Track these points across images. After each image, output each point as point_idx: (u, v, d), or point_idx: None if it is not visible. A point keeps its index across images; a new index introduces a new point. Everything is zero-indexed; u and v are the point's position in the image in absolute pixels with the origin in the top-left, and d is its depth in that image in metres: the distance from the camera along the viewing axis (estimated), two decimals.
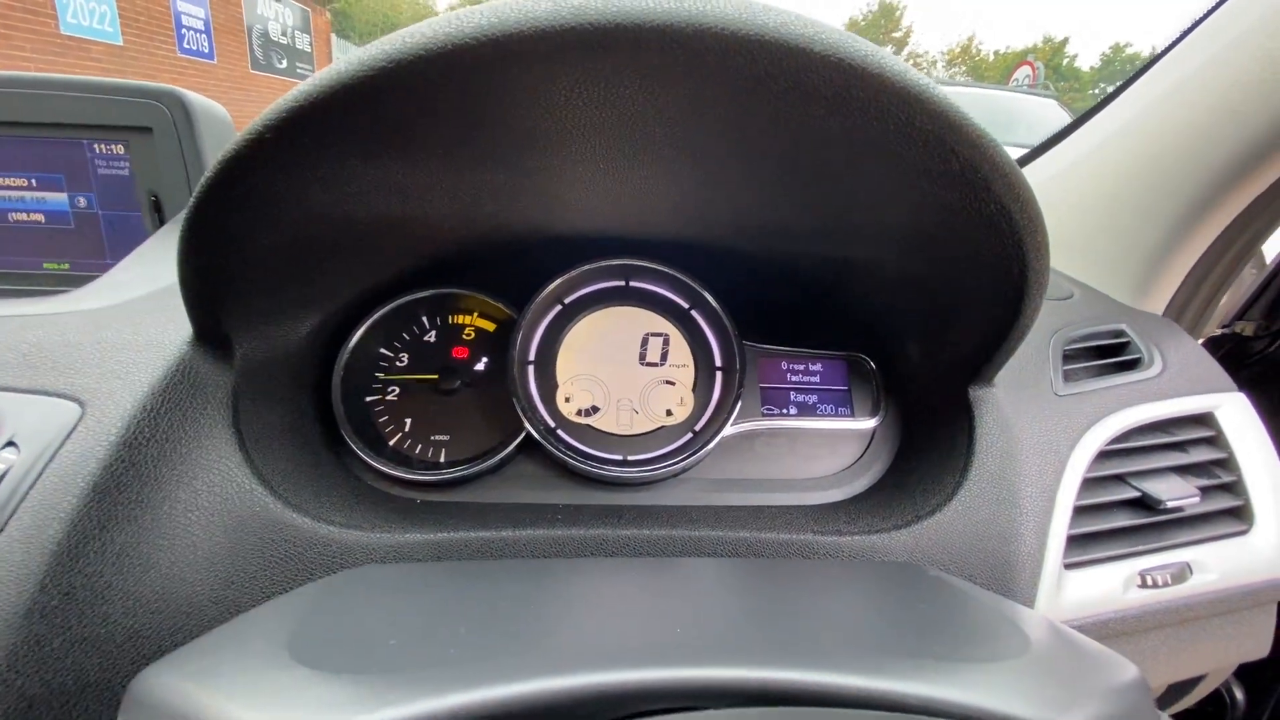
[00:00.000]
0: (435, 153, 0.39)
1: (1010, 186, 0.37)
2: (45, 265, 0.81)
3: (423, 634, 0.30)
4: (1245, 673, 0.73)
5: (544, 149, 0.41)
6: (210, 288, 0.43)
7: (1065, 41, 39.32)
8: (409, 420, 0.60)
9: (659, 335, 0.62)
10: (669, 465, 0.56)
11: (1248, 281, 0.88)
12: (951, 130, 0.34)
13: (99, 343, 0.47)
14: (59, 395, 0.43)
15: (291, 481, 0.50)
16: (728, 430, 0.58)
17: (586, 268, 0.60)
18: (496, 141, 0.39)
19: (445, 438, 0.59)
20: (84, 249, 0.80)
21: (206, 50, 9.32)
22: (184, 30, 8.84)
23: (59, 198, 0.79)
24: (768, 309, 0.66)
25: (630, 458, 0.58)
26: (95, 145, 0.76)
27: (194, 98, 0.73)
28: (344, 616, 0.33)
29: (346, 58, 0.31)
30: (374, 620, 0.32)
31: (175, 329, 0.48)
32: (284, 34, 11.43)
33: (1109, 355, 0.68)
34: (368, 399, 0.60)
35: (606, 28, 0.28)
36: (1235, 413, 0.64)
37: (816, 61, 0.30)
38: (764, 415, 0.62)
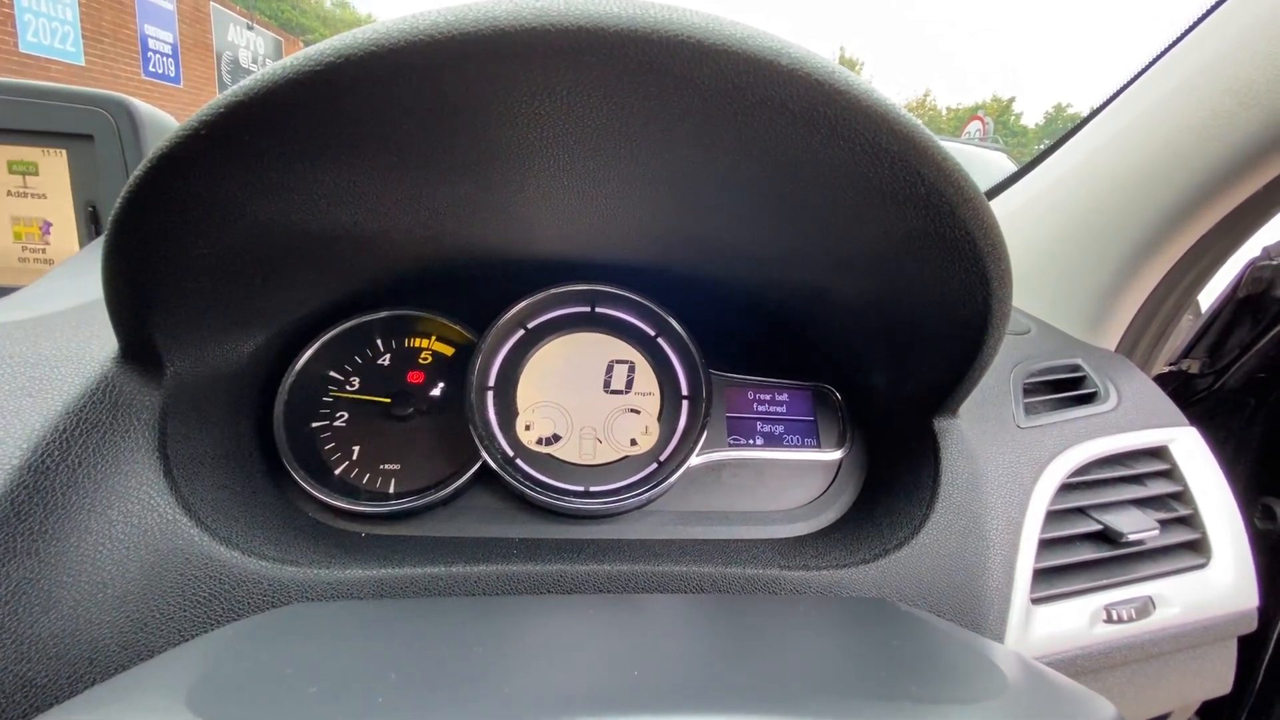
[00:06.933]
0: (390, 160, 0.38)
1: (974, 211, 0.37)
2: None
3: (348, 680, 0.27)
4: (1207, 711, 0.73)
5: (506, 162, 0.39)
6: (139, 299, 0.40)
7: (1012, 100, 42.08)
8: (357, 448, 0.56)
9: (624, 362, 0.61)
10: (633, 496, 0.54)
11: (1187, 325, 0.91)
12: (917, 152, 0.34)
13: (9, 357, 0.43)
14: None
15: (222, 512, 0.46)
16: (693, 460, 0.56)
17: (551, 292, 0.59)
18: (455, 151, 0.38)
19: (395, 467, 0.56)
20: None
21: (173, 74, 9.22)
22: (150, 53, 8.74)
23: None
24: (734, 337, 0.66)
25: (592, 489, 0.55)
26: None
27: (141, 106, 0.69)
28: (261, 661, 0.29)
29: (295, 54, 0.30)
30: (295, 665, 0.29)
31: (99, 344, 0.44)
32: (255, 61, 11.41)
33: (1066, 389, 0.69)
34: (313, 425, 0.56)
35: (569, 30, 0.27)
36: (1188, 446, 0.65)
37: (783, 75, 0.29)
38: (730, 445, 0.61)
